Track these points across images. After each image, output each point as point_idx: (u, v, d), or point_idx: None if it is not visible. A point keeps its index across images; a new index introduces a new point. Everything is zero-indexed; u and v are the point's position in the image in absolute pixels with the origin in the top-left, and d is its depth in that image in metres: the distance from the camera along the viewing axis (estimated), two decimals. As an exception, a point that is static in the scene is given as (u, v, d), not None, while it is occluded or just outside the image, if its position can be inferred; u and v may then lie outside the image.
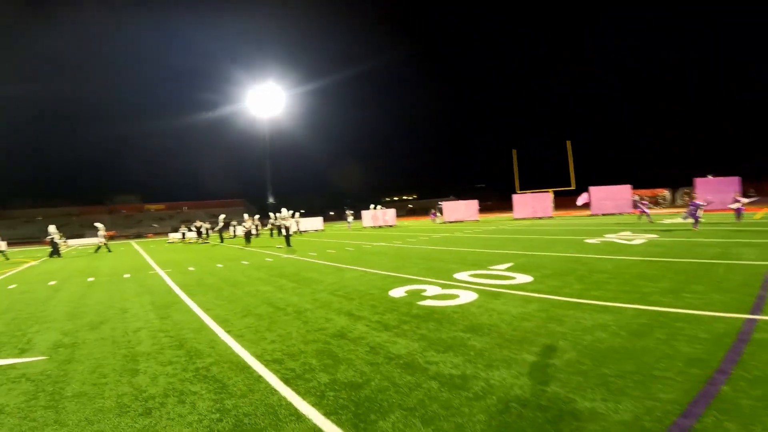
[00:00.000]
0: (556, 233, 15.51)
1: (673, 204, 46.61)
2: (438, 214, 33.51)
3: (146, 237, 56.61)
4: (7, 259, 20.13)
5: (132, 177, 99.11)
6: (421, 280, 7.38)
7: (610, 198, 28.12)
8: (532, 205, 29.59)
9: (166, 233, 55.16)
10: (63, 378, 3.69)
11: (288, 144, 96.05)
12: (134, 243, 36.79)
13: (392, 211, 32.09)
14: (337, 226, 42.73)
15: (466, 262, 9.30)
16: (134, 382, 3.47)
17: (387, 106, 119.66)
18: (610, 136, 74.34)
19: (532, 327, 4.26)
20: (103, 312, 6.44)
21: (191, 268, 11.76)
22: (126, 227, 71.82)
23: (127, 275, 11.04)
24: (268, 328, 4.88)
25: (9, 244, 20.75)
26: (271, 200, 74.14)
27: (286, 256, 13.70)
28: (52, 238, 19.96)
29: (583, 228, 17.31)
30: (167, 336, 4.82)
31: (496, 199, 70.69)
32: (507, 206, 68.50)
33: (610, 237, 12.98)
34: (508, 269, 8.06)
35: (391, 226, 31.04)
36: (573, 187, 34.89)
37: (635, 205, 27.57)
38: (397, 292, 6.45)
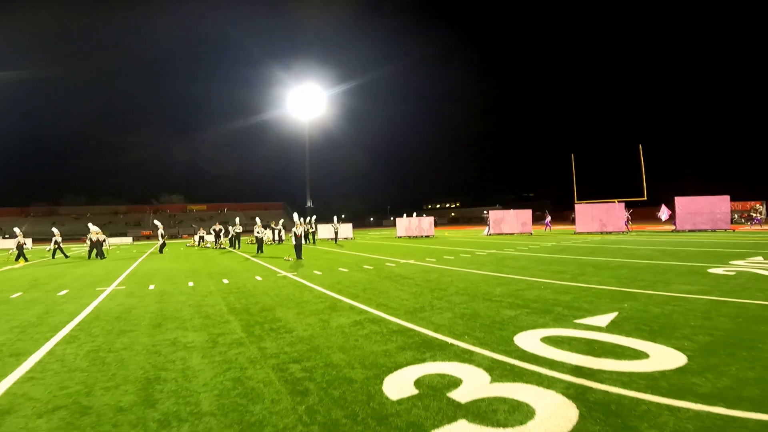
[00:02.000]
0: (650, 256, 11.47)
1: (774, 220, 39.22)
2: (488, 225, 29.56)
3: (182, 237, 56.90)
4: (26, 260, 19.02)
5: (178, 177, 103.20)
6: (454, 348, 4.09)
7: (701, 212, 22.98)
8: (600, 217, 24.99)
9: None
10: None
11: (330, 147, 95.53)
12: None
13: (430, 220, 28.64)
14: (371, 234, 39.88)
15: (532, 306, 5.85)
16: None
17: (431, 109, 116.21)
18: (687, 139, 65.98)
19: None
20: None
21: (151, 287, 9.17)
22: (168, 227, 73.78)
23: (62, 292, 8.59)
24: None
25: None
26: (309, 204, 73.28)
27: (284, 274, 10.85)
28: (90, 238, 18.52)
29: (684, 249, 13.03)
30: None
31: (551, 210, 64.77)
32: (560, 218, 62.37)
33: (740, 264, 8.96)
34: (612, 328, 4.56)
35: (428, 236, 27.62)
36: (644, 198, 29.64)
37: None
38: (403, 383, 3.23)
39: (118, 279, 11.06)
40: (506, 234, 26.42)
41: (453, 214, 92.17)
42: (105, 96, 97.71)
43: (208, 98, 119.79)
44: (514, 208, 29.52)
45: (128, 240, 41.63)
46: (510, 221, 26.68)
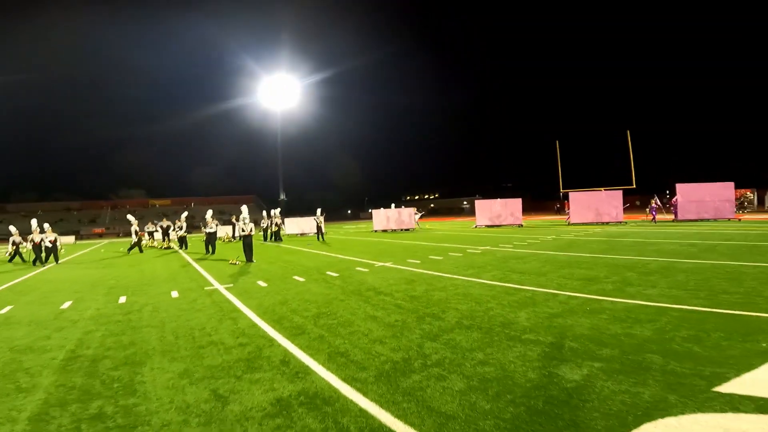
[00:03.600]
0: (691, 254, 9.27)
1: (763, 206, 38.85)
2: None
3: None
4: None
5: (139, 171, 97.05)
6: None
7: (704, 199, 21.38)
8: (597, 206, 23.09)
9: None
10: None
11: (302, 138, 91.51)
12: (105, 242, 31.68)
13: (410, 211, 26.09)
14: (346, 228, 37.07)
15: (602, 355, 3.29)
16: None
17: (406, 99, 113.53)
18: (675, 125, 65.74)
19: None
20: None
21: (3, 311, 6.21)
22: (127, 223, 68.76)
23: None
24: None
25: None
26: (282, 197, 69.60)
27: (216, 286, 8.02)
28: (32, 239, 14.38)
29: (721, 243, 10.96)
30: None
31: (530, 200, 63.54)
32: (542, 207, 61.11)
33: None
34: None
35: (408, 230, 25.10)
36: (633, 186, 28.09)
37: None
38: None
39: (-22, 298, 7.95)
40: (494, 226, 24.21)
41: (432, 205, 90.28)
42: (57, 84, 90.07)
43: (171, 86, 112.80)
44: (493, 197, 27.35)
45: (69, 239, 37.16)
46: (497, 211, 24.45)
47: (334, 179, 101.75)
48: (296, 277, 8.66)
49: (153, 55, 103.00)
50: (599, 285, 6.39)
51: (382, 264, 9.99)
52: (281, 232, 23.24)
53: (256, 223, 28.82)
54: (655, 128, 63.65)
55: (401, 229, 25.31)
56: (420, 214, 28.91)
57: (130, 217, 19.13)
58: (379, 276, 8.28)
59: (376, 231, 25.70)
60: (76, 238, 47.17)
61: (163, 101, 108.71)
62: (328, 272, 9.13)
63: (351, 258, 11.65)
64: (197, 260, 13.37)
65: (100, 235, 56.17)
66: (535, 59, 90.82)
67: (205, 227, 15.64)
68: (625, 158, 29.65)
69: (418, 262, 10.07)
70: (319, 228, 20.22)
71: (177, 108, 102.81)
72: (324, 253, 13.62)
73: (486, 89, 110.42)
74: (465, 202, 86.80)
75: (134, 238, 17.84)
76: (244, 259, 12.01)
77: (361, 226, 41.57)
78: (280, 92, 53.84)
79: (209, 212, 15.60)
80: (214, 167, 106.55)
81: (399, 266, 9.49)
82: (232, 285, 8.17)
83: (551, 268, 8.24)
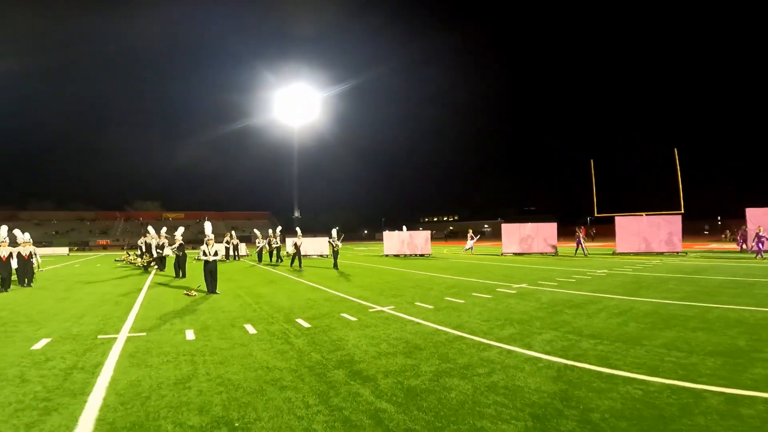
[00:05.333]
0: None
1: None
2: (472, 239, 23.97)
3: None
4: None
5: (156, 184, 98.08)
6: None
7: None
8: (646, 233, 19.83)
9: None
10: None
11: (321, 155, 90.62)
12: (101, 255, 29.51)
13: (425, 235, 23.21)
14: (357, 249, 34.33)
15: None
16: None
17: (428, 117, 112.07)
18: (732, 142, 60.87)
19: None
20: None
21: None
22: (139, 235, 68.25)
23: None
24: None
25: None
26: (297, 214, 67.81)
27: (121, 335, 5.39)
28: None
29: None
30: None
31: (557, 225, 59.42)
32: (568, 233, 56.36)
33: None
34: None
35: (423, 255, 22.20)
36: (682, 210, 24.59)
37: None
38: None
39: None
40: (523, 253, 21.08)
41: (451, 228, 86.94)
42: (82, 97, 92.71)
43: (190, 101, 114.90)
44: (515, 221, 24.25)
45: (63, 251, 35.67)
46: (527, 236, 21.34)
47: (351, 198, 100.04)
48: (248, 327, 5.98)
49: (173, 70, 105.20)
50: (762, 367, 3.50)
51: (380, 309, 7.22)
52: (281, 253, 20.70)
53: (250, 241, 26.47)
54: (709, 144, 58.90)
55: (415, 254, 22.46)
56: (476, 238, 25.21)
57: (151, 230, 16.54)
58: (369, 334, 5.51)
59: (387, 255, 22.93)
60: (79, 249, 46.09)
61: (184, 116, 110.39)
62: (299, 320, 6.42)
63: (343, 295, 8.91)
64: (155, 285, 10.90)
65: (104, 247, 55.11)
66: (564, 66, 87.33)
67: (167, 247, 13.13)
68: (671, 179, 26.41)
69: (430, 307, 7.25)
70: (335, 253, 15.73)
71: (196, 122, 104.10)
72: (314, 285, 10.93)
73: (511, 104, 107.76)
74: (486, 225, 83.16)
75: (153, 254, 15.50)
76: (206, 290, 9.46)
77: (373, 248, 38.87)
78: (297, 107, 52.76)
79: (180, 229, 13.23)
80: (229, 182, 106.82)
81: (402, 314, 6.71)
82: (145, 334, 5.59)
83: (639, 328, 5.34)
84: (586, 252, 19.92)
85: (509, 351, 4.60)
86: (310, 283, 11.15)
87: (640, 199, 27.94)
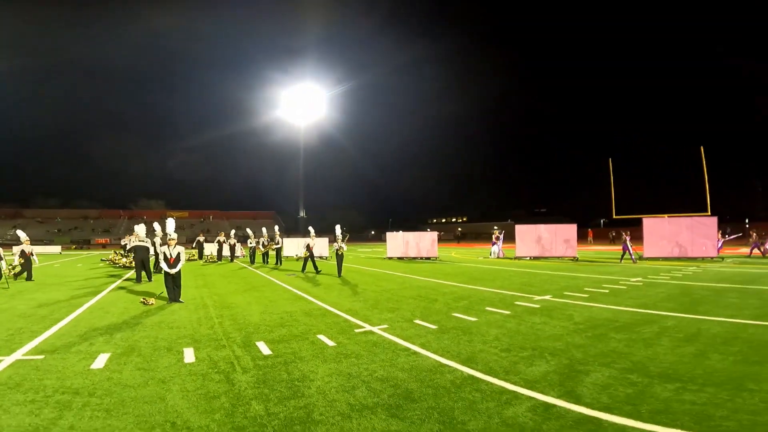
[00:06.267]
0: None
1: None
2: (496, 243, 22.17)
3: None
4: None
5: (161, 183, 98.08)
6: None
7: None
8: (679, 237, 18.08)
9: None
10: None
11: (328, 154, 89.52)
12: (87, 254, 28.31)
13: (431, 236, 21.61)
14: (360, 251, 32.86)
15: None
16: None
17: (436, 117, 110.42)
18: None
19: None
20: None
21: None
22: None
23: None
24: None
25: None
26: (302, 214, 66.58)
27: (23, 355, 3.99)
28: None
29: None
30: None
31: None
32: (581, 235, 53.29)
33: None
34: None
35: (429, 258, 20.63)
36: (708, 212, 22.74)
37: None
38: None
39: None
40: (540, 258, 19.40)
41: (460, 229, 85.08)
42: (89, 95, 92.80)
43: (196, 100, 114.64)
44: (525, 223, 22.51)
45: (56, 249, 34.67)
46: (544, 238, 19.66)
47: (357, 198, 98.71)
48: (187, 352, 4.54)
49: (177, 68, 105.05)
50: None
51: (370, 329, 5.71)
52: (281, 254, 19.22)
53: (243, 240, 25.03)
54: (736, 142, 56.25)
55: (420, 258, 20.91)
56: (501, 238, 22.53)
57: (156, 226, 14.79)
58: (345, 370, 4.02)
59: (390, 258, 21.41)
60: (78, 248, 45.34)
61: (189, 115, 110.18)
62: (260, 343, 4.95)
63: (328, 307, 7.43)
64: (117, 289, 9.53)
65: (104, 245, 54.38)
66: (576, 61, 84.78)
67: (142, 243, 11.63)
68: (697, 179, 24.56)
69: (433, 327, 5.73)
70: (339, 257, 12.86)
71: (203, 121, 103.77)
72: (299, 293, 9.46)
73: (522, 103, 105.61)
74: (495, 227, 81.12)
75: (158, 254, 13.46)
76: (168, 297, 8.05)
77: (378, 249, 37.36)
78: (304, 105, 51.63)
79: (140, 227, 11.83)
80: (234, 181, 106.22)
81: (395, 337, 5.20)
82: (42, 357, 4.18)
83: (728, 362, 3.78)
84: (635, 257, 17.56)
85: (547, 406, 3.08)
86: (296, 291, 9.68)
87: (661, 201, 26.05)
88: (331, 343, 5.01)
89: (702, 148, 23.93)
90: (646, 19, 74.84)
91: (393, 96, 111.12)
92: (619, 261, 17.19)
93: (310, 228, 16.01)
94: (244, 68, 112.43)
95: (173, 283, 7.99)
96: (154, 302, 7.89)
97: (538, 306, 7.19)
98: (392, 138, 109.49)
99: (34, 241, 12.18)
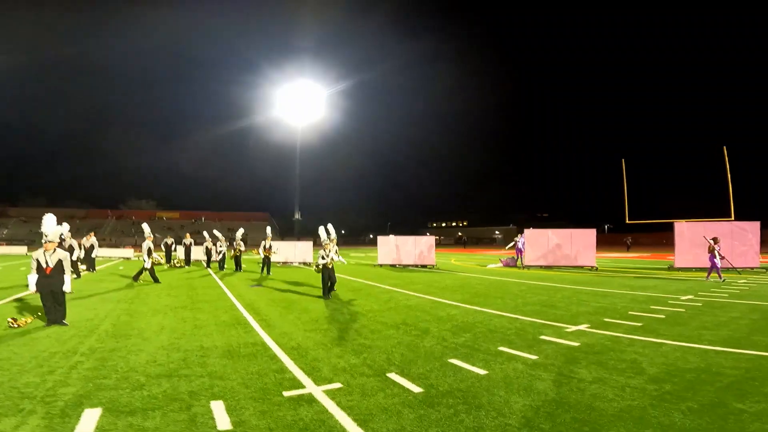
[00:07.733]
0: None
1: None
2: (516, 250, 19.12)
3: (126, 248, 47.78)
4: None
5: (152, 183, 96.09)
6: None
7: None
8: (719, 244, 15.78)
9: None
10: None
11: (325, 155, 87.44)
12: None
13: (429, 241, 19.31)
14: (351, 256, 30.57)
15: None
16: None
17: (437, 117, 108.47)
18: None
19: None
20: None
21: None
22: (127, 236, 65.22)
23: None
24: None
25: None
26: (297, 216, 64.38)
27: None
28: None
29: None
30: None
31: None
32: (615, 241, 48.54)
33: None
34: None
35: (426, 266, 18.35)
36: (732, 217, 20.58)
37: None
38: None
39: None
40: (550, 266, 17.14)
41: (460, 234, 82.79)
42: (80, 94, 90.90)
43: (189, 100, 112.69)
44: (528, 227, 19.95)
45: (22, 249, 32.35)
46: (561, 244, 17.39)
47: (355, 201, 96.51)
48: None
49: (169, 68, 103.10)
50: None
51: (308, 391, 3.44)
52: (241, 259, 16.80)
53: (230, 243, 22.54)
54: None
55: (417, 265, 18.62)
56: (520, 241, 18.51)
57: (145, 227, 12.51)
58: None
59: (381, 265, 19.14)
60: (30, 248, 43.06)
61: (182, 115, 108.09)
62: (89, 412, 2.67)
63: (268, 341, 5.16)
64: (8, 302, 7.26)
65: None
66: (578, 61, 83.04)
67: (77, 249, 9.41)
68: (719, 181, 22.40)
69: (416, 391, 3.45)
70: (325, 271, 8.99)
71: (195, 121, 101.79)
72: (244, 313, 7.18)
73: (524, 105, 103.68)
74: (497, 232, 78.80)
75: (146, 260, 11.17)
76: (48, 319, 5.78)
77: (372, 255, 35.05)
78: (300, 106, 49.58)
79: (66, 226, 9.62)
80: (228, 182, 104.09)
81: (345, 418, 2.92)
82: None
83: None
84: (721, 274, 12.61)
85: None
86: (243, 311, 7.39)
87: (678, 204, 23.94)
88: (223, 423, 2.75)
89: (725, 147, 21.88)
90: (661, 12, 73.03)
91: (392, 98, 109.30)
92: (705, 279, 12.80)
93: (324, 228, 10.13)
94: (240, 67, 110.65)
95: (53, 298, 5.71)
96: (26, 323, 5.63)
97: (576, 344, 4.92)
98: (393, 139, 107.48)
99: (16, 241, 10.00)
